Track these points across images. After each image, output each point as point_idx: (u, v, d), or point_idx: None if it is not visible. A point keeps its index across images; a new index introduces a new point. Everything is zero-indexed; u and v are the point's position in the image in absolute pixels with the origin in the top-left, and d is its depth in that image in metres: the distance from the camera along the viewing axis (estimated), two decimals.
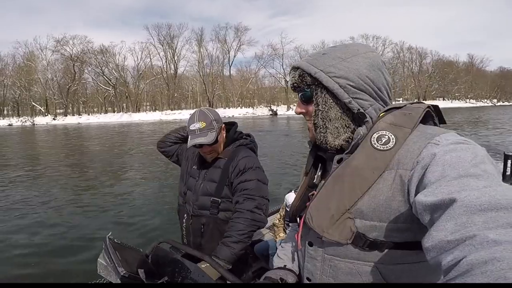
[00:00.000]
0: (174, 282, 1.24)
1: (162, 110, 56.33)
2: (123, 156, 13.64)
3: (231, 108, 59.39)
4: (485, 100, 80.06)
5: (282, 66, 60.83)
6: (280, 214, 3.08)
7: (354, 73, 0.75)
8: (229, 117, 49.51)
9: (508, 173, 3.97)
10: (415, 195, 0.61)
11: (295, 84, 0.81)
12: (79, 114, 55.79)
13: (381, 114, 0.76)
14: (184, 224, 1.72)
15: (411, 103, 0.78)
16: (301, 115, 0.85)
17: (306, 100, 0.81)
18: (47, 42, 59.35)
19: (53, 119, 50.49)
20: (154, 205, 6.45)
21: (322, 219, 0.74)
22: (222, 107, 59.67)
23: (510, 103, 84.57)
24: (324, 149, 0.83)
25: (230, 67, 61.81)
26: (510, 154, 3.94)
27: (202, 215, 1.64)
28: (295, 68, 0.82)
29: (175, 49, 61.77)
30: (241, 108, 60.48)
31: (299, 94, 0.82)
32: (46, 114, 53.39)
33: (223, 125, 1.69)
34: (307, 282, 0.84)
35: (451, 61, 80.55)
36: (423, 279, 0.72)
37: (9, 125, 47.39)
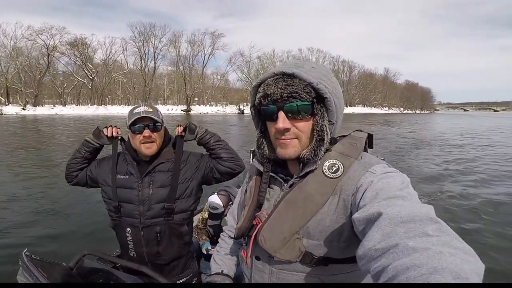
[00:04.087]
0: None
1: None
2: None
3: (204, 105, 66.70)
4: (395, 108, 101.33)
5: (249, 72, 69.88)
6: (202, 216, 2.76)
7: (340, 96, 0.77)
8: (204, 113, 57.09)
9: None
10: None
11: (294, 94, 0.72)
12: (43, 105, 55.59)
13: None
14: (130, 238, 1.59)
15: (353, 131, 0.87)
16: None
17: (304, 111, 0.74)
18: (15, 30, 57.48)
19: (23, 109, 49.70)
20: (70, 212, 5.39)
21: (275, 240, 0.78)
22: (197, 104, 66.51)
23: (413, 111, 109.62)
24: (277, 170, 0.88)
25: (203, 69, 68.38)
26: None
27: (155, 224, 1.56)
28: (287, 76, 0.74)
29: (156, 48, 65.91)
30: (211, 106, 68.33)
31: (295, 105, 0.74)
32: (7, 103, 52.32)
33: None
34: None
35: (371, 73, 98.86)
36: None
37: None
